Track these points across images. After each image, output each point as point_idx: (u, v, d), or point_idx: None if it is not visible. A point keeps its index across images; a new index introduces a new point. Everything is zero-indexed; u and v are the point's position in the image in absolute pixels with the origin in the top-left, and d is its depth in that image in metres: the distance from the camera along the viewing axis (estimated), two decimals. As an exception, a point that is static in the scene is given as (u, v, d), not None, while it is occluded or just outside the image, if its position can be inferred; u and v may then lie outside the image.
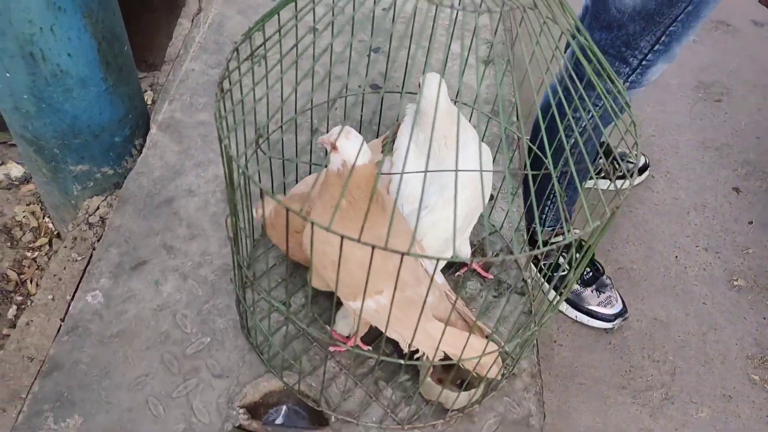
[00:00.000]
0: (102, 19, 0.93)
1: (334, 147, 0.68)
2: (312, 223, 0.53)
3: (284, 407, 0.82)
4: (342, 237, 0.55)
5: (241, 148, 0.94)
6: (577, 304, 1.58)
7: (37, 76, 0.91)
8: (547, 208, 1.53)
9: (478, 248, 0.99)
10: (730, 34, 2.50)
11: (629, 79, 1.22)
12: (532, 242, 1.63)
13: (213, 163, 1.04)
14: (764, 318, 1.61)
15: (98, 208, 1.07)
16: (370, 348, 0.84)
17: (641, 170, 1.91)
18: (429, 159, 0.80)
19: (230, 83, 0.64)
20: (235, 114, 0.62)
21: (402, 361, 0.69)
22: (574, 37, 0.61)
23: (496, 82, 0.80)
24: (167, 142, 1.06)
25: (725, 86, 2.24)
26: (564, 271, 1.59)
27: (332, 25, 0.62)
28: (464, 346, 0.71)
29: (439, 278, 0.79)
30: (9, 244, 1.22)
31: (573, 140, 1.41)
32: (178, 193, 0.99)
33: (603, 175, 1.88)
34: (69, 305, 0.85)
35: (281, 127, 0.84)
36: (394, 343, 0.82)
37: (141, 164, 1.03)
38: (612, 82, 0.61)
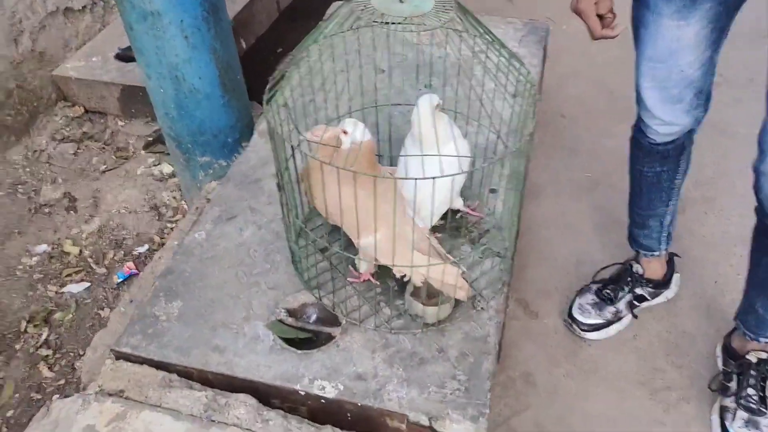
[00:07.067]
0: (222, 55, 1.39)
1: (344, 132, 1.05)
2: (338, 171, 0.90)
3: (314, 314, 1.17)
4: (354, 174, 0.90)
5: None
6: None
7: (179, 91, 1.38)
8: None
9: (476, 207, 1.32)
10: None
11: None
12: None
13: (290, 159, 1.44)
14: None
15: (214, 188, 1.50)
16: (378, 282, 1.17)
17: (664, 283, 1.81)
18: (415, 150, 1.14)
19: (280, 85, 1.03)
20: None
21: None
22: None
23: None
24: (262, 144, 1.49)
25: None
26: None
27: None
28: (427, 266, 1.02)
29: (420, 223, 1.11)
30: (157, 218, 1.71)
31: None
32: (264, 176, 1.40)
33: None
34: (183, 239, 1.27)
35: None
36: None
37: (243, 157, 1.46)
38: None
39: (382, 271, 1.16)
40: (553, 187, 2.21)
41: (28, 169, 1.83)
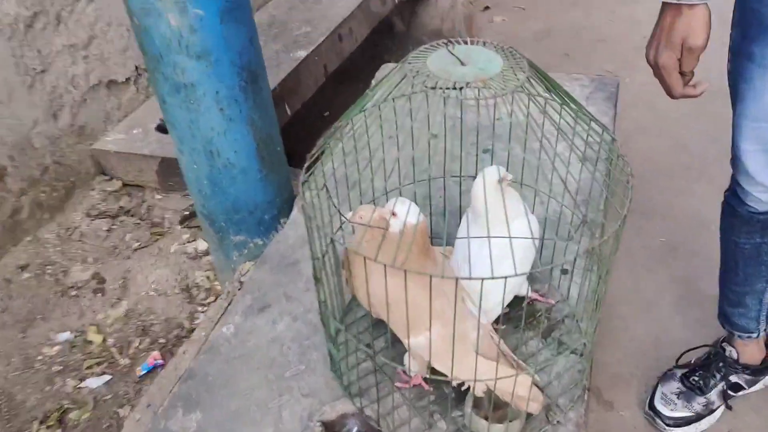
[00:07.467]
0: (261, 127, 1.28)
1: (393, 214, 0.90)
2: (385, 268, 0.74)
3: (355, 428, 0.99)
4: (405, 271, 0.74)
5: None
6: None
7: (213, 167, 1.27)
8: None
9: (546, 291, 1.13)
10: None
11: None
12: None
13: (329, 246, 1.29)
14: None
15: (248, 270, 1.36)
16: (431, 388, 0.99)
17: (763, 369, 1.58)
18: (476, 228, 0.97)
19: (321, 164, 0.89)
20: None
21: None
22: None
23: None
24: (302, 220, 1.34)
25: None
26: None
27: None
28: (496, 377, 0.84)
29: (483, 318, 0.92)
30: (188, 300, 1.58)
31: None
32: (303, 257, 1.26)
33: None
34: (209, 333, 1.12)
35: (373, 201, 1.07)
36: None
37: (281, 235, 1.32)
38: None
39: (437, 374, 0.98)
40: (625, 255, 1.99)
41: (59, 249, 1.76)
